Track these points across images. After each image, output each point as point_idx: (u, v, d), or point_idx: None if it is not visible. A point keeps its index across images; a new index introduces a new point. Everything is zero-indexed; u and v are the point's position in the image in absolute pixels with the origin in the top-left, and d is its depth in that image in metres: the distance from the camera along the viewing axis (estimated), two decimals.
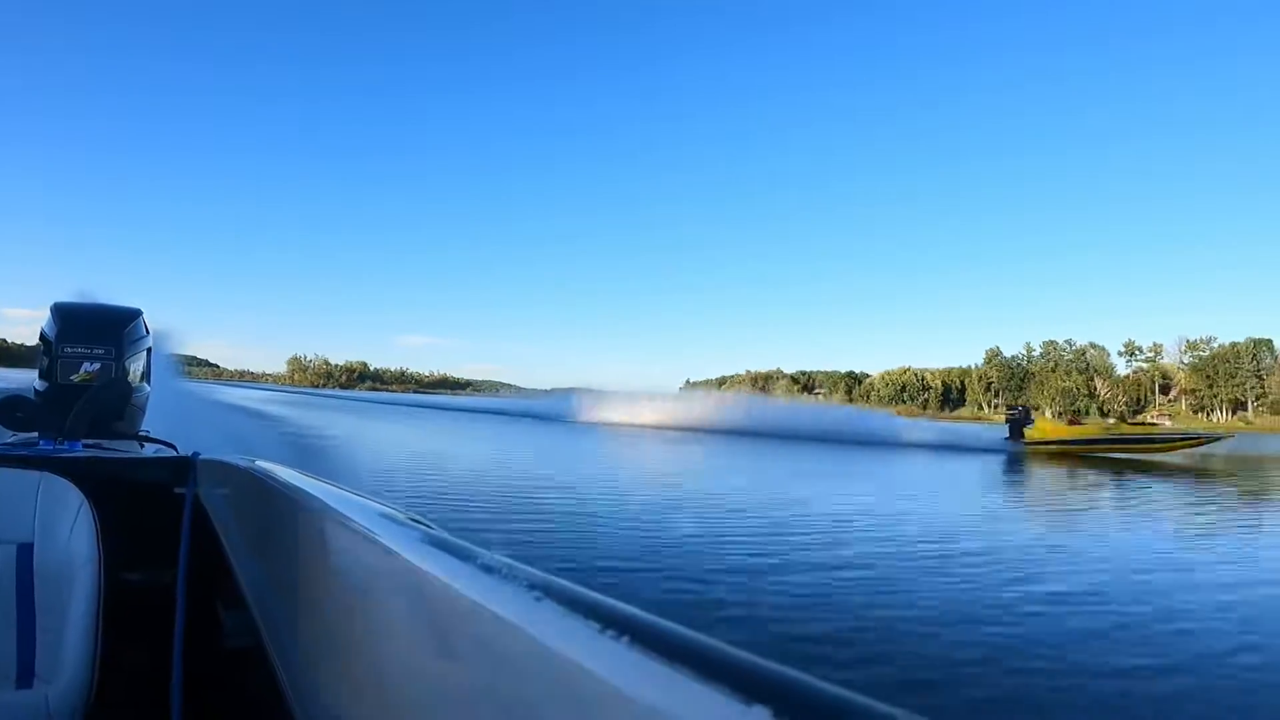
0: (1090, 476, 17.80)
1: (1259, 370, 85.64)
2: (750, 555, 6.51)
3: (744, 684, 0.27)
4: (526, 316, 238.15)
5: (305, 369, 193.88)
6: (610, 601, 0.38)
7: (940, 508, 10.75)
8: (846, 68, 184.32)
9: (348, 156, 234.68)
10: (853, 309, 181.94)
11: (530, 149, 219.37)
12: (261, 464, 1.35)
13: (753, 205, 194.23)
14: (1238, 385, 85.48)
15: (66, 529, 1.59)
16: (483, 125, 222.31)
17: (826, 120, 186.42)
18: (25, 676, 1.47)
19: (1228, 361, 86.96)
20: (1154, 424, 30.18)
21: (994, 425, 45.02)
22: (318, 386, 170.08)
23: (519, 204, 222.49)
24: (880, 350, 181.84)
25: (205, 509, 1.79)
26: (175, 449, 2.08)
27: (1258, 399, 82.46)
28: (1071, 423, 28.25)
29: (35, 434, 1.98)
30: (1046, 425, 26.79)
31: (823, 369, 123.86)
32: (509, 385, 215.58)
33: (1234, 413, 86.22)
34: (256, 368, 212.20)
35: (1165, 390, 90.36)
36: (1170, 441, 24.75)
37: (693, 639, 0.32)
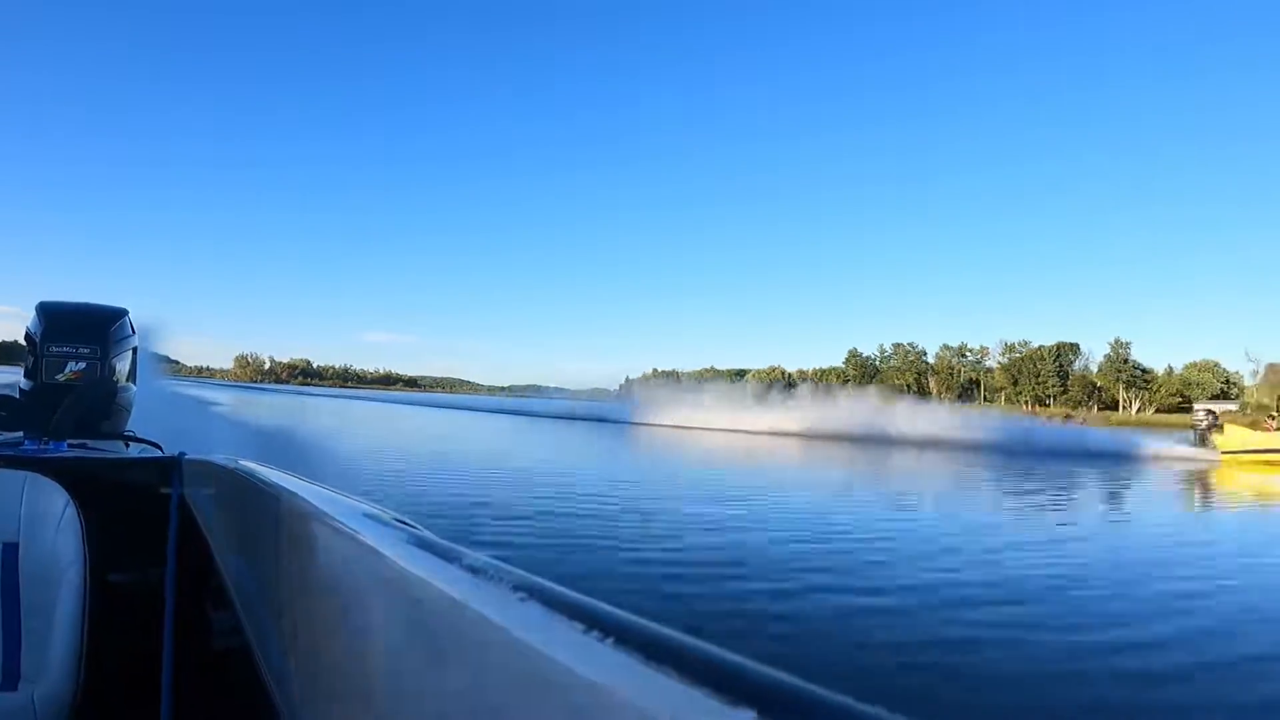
0: None
1: (1061, 371, 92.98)
2: (740, 559, 5.96)
3: (729, 685, 0.25)
4: (489, 315, 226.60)
5: (247, 365, 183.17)
6: (595, 603, 0.36)
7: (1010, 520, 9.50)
8: (779, 70, 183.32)
9: (340, 156, 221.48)
10: (753, 309, 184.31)
11: (503, 150, 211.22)
12: (247, 464, 1.26)
13: (699, 211, 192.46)
14: (1040, 384, 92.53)
15: (52, 529, 1.46)
16: (475, 127, 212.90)
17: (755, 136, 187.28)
18: (10, 678, 1.34)
19: (1033, 363, 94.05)
20: None
21: None
22: (255, 382, 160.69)
23: (492, 202, 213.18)
24: (771, 349, 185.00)
25: (191, 509, 1.67)
26: (161, 449, 1.93)
27: (1058, 396, 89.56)
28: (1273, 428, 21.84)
29: (20, 434, 1.82)
30: (1243, 431, 21.57)
31: (740, 367, 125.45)
32: (468, 383, 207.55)
33: (1033, 409, 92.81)
34: (215, 364, 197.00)
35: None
36: None
37: (678, 640, 0.30)
